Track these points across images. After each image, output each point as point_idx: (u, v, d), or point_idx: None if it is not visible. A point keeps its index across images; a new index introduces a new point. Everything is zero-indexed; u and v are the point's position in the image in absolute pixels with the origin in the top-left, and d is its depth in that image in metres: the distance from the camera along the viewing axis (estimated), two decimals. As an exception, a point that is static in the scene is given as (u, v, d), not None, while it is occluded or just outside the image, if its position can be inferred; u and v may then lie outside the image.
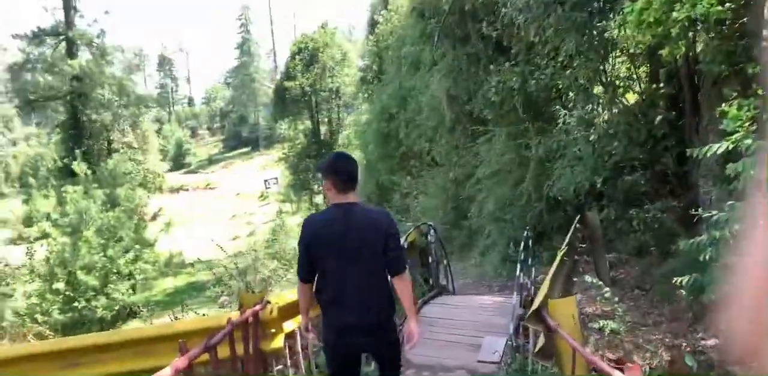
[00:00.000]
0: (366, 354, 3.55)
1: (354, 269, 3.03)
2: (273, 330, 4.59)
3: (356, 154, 26.87)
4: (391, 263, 3.06)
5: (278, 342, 4.55)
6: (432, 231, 8.35)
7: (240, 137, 75.74)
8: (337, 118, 36.18)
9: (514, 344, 5.53)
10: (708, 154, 5.78)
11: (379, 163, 20.25)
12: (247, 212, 40.94)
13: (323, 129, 37.01)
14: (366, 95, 24.39)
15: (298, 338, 4.82)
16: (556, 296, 4.93)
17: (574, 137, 8.30)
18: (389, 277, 3.11)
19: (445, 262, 8.35)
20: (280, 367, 4.78)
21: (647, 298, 7.72)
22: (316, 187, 35.55)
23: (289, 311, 4.80)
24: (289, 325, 4.79)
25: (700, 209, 7.27)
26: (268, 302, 4.53)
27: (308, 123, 36.91)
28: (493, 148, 10.08)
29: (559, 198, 9.42)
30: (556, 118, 8.66)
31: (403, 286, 3.09)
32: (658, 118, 8.47)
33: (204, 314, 7.24)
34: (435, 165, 15.35)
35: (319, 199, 36.35)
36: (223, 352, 3.83)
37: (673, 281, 5.90)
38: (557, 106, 7.81)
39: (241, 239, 29.85)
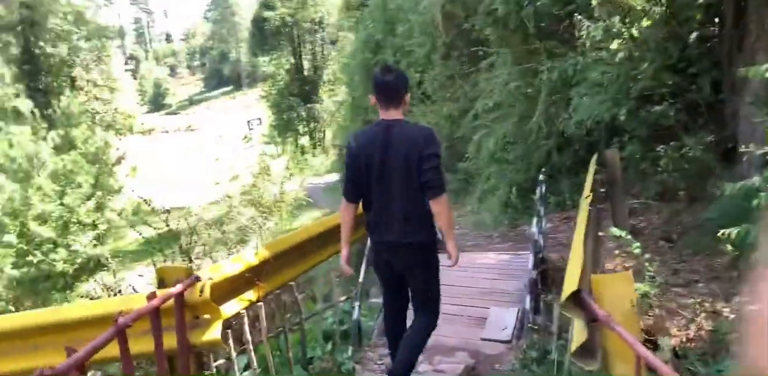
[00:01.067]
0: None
1: (394, 187, 2.99)
2: (206, 316, 3.36)
3: (342, 90, 25.12)
4: (426, 185, 2.94)
5: (214, 332, 3.32)
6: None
7: (221, 76, 73.31)
8: (321, 52, 33.92)
9: (530, 319, 4.36)
10: (766, 75, 4.47)
11: (366, 99, 18.61)
12: (231, 155, 39.52)
13: (307, 64, 34.84)
14: (350, 23, 22.28)
15: (246, 323, 3.59)
16: (589, 266, 3.69)
17: (594, 59, 6.86)
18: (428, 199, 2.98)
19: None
20: (221, 361, 3.59)
21: (675, 251, 6.51)
22: (301, 127, 33.88)
23: (230, 288, 3.54)
24: (232, 307, 3.55)
25: (743, 146, 5.95)
26: (197, 279, 3.26)
27: (291, 58, 34.66)
28: (495, 76, 8.58)
29: (570, 135, 8.10)
30: (572, 38, 7.18)
31: (439, 208, 2.98)
32: (693, 35, 7.01)
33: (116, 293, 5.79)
34: (427, 100, 13.83)
35: (305, 140, 34.82)
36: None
37: (720, 234, 4.70)
38: (577, 16, 6.30)
39: (223, 183, 28.64)
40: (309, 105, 32.18)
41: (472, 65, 10.02)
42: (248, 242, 12.89)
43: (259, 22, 33.83)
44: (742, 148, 6.57)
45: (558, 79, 6.98)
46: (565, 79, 7.08)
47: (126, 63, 51.04)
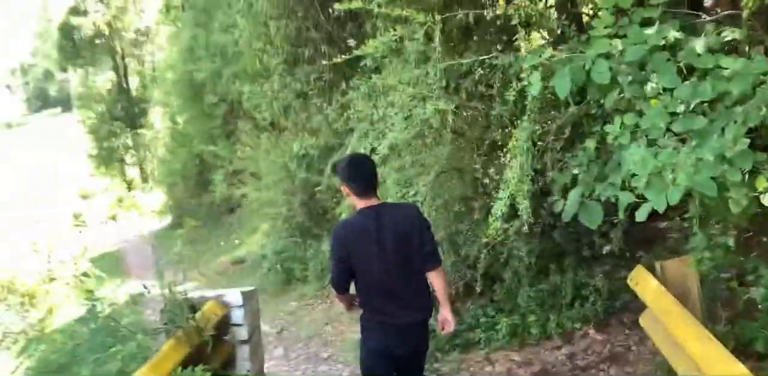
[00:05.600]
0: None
1: (398, 271, 2.94)
2: None
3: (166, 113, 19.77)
4: (428, 256, 3.00)
5: None
6: (242, 305, 3.40)
7: (47, 96, 63.91)
8: (152, 67, 28.03)
9: None
10: None
11: (192, 127, 13.57)
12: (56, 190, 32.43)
13: (135, 82, 28.78)
14: (173, 27, 17.10)
15: None
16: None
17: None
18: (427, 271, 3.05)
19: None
20: None
21: None
22: (128, 157, 27.75)
23: None
24: None
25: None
26: None
27: (114, 75, 28.43)
28: (391, 89, 4.20)
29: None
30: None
31: (441, 278, 3.07)
32: None
33: None
34: (272, 128, 9.32)
35: (135, 171, 28.71)
36: None
37: None
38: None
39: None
40: (137, 131, 26.27)
41: (340, 75, 5.67)
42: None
43: (67, 32, 27.20)
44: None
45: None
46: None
47: None
